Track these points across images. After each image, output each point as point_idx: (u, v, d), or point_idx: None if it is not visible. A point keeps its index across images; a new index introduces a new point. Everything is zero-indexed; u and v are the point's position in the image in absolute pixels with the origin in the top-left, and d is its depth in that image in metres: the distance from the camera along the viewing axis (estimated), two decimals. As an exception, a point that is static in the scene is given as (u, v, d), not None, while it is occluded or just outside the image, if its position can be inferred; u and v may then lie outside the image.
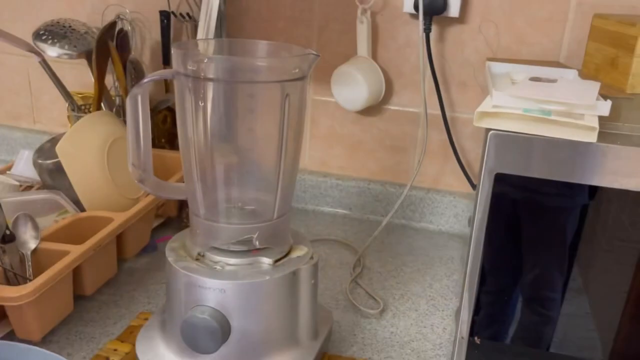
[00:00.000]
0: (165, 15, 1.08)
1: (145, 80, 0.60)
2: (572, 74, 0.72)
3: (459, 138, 1.03)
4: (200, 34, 0.93)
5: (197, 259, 0.63)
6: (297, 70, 0.58)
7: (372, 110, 1.05)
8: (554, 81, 0.65)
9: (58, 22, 1.04)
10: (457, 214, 1.06)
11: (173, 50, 0.59)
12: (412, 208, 1.07)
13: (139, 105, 0.61)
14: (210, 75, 0.57)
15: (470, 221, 0.77)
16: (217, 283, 0.59)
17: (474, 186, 1.02)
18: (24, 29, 1.15)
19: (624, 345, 0.64)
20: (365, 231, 1.04)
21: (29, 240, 0.74)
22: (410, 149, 1.06)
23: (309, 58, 0.59)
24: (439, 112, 1.00)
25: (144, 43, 1.13)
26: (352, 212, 1.11)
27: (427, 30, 0.93)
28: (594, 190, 0.57)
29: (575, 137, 0.54)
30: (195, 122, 0.60)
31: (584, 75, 0.80)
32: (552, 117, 0.54)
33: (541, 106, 0.55)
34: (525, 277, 0.74)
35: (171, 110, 1.12)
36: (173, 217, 1.03)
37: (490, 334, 0.67)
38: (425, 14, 0.92)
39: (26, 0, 1.16)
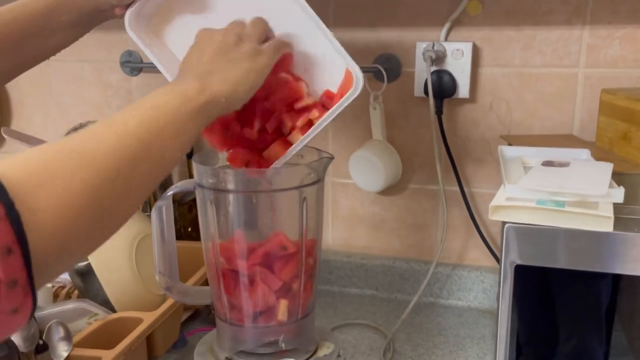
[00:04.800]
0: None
1: (169, 192, 0.63)
2: (585, 154, 0.72)
3: (480, 212, 1.03)
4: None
5: (224, 364, 0.64)
6: (312, 175, 0.61)
7: (391, 189, 1.07)
8: (566, 165, 0.66)
9: (86, 125, 1.10)
10: (486, 289, 1.04)
11: (194, 164, 0.62)
12: (440, 285, 1.07)
13: (163, 216, 0.64)
14: (230, 187, 0.59)
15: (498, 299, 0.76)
16: (246, 389, 0.60)
17: (499, 260, 1.01)
18: (56, 132, 1.22)
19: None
20: (393, 312, 1.04)
21: (62, 348, 0.75)
22: (433, 226, 1.07)
23: (324, 162, 0.61)
24: (458, 188, 1.01)
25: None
26: (379, 292, 1.11)
27: (438, 113, 0.96)
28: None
29: (591, 227, 0.54)
30: (218, 229, 0.62)
31: (599, 148, 0.81)
32: (566, 209, 0.54)
33: (554, 197, 0.56)
34: (563, 348, 0.72)
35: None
36: (201, 309, 1.04)
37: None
38: (435, 97, 0.95)
39: (56, 106, 1.23)
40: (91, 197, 0.39)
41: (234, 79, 0.54)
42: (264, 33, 0.61)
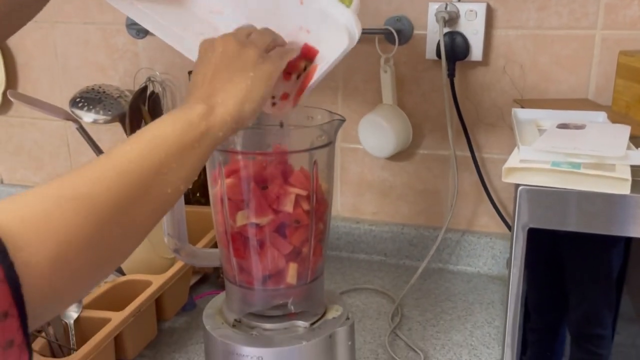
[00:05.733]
0: (194, 75, 1.11)
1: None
2: (601, 116, 0.71)
3: (491, 178, 1.02)
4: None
5: (234, 325, 0.64)
6: (323, 137, 0.59)
7: (401, 155, 1.05)
8: (582, 127, 0.65)
9: (93, 89, 1.08)
10: (495, 255, 1.04)
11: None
12: (449, 251, 1.06)
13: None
14: (239, 148, 0.58)
15: (508, 264, 0.76)
16: (254, 350, 0.60)
17: (509, 227, 1.01)
18: (62, 96, 1.21)
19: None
20: (402, 277, 1.04)
21: (72, 309, 0.76)
22: (443, 192, 1.06)
23: (335, 124, 0.60)
24: (469, 153, 1.00)
25: (175, 103, 1.16)
26: (388, 258, 1.10)
27: (451, 76, 0.94)
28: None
29: (607, 189, 0.53)
30: (226, 191, 0.61)
31: (615, 112, 0.79)
32: (582, 171, 0.53)
33: (570, 159, 0.55)
34: (572, 314, 0.72)
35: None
36: (210, 273, 1.04)
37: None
38: (448, 60, 0.93)
39: (62, 69, 1.21)
40: (91, 244, 0.38)
41: (239, 93, 0.50)
42: (270, 41, 0.56)
